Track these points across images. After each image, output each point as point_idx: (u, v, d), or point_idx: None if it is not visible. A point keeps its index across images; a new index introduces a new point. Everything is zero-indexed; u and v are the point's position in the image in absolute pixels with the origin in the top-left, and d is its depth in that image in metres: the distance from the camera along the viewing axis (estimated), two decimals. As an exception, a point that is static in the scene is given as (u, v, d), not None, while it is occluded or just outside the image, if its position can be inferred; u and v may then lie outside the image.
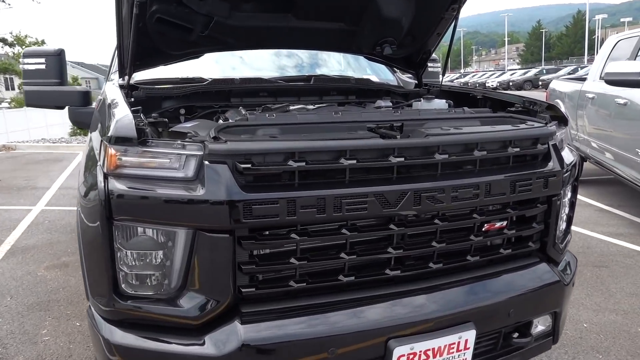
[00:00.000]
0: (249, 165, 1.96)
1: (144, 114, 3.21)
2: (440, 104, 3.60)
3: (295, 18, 3.26)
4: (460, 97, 3.73)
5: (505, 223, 2.44)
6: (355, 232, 2.12)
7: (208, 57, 3.52)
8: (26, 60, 3.82)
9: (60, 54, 3.82)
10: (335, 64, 4.41)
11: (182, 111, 3.35)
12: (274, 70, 3.81)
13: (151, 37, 3.06)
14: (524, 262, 2.54)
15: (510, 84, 49.48)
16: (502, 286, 2.43)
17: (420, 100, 3.65)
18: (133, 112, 2.32)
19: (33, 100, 3.80)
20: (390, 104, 3.71)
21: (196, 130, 2.47)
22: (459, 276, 2.36)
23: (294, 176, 2.03)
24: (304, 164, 2.00)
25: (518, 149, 2.37)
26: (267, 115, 2.37)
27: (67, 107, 3.78)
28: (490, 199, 2.28)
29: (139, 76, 3.56)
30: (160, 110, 3.28)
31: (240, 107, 3.33)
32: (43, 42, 28.43)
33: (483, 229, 2.39)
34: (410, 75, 4.45)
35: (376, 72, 4.46)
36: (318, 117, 2.43)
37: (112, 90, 2.94)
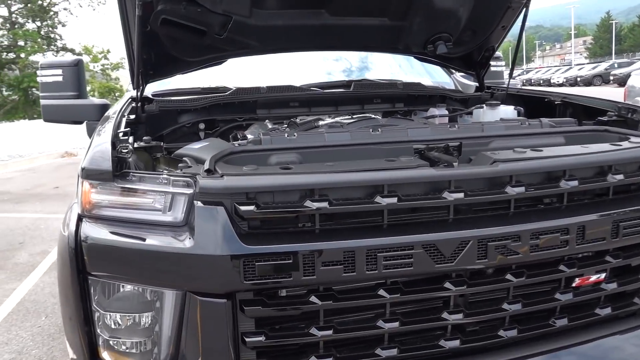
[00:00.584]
0: (253, 208, 1.46)
1: (155, 130, 2.83)
2: (507, 112, 2.97)
3: (330, 14, 2.75)
4: (533, 103, 3.09)
5: (603, 275, 1.82)
6: (398, 293, 1.58)
7: (233, 63, 3.07)
8: (43, 72, 3.52)
9: (77, 65, 3.49)
10: (380, 66, 3.85)
11: (202, 126, 2.92)
12: (308, 77, 3.32)
13: (161, 42, 2.64)
14: (628, 324, 1.90)
15: (578, 79, 46.58)
16: (600, 358, 1.80)
17: (482, 107, 3.04)
18: (123, 134, 1.89)
19: (50, 115, 3.49)
20: (446, 112, 3.13)
21: (202, 154, 2.01)
22: (540, 346, 1.76)
23: (313, 221, 1.52)
24: (326, 204, 1.49)
25: (621, 177, 1.74)
26: (286, 135, 1.87)
27: (85, 122, 3.45)
28: (583, 245, 1.67)
29: (157, 87, 3.17)
30: (176, 126, 2.87)
31: (267, 121, 2.86)
32: (108, 52, 29.44)
33: (573, 285, 1.78)
34: (464, 75, 3.83)
35: (429, 74, 3.87)
36: (351, 137, 1.91)
37: (116, 106, 2.55)
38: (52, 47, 30.55)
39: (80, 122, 3.51)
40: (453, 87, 3.66)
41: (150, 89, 3.21)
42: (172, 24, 2.49)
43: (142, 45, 2.60)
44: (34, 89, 25.57)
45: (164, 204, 1.54)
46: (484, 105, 3.06)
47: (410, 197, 1.56)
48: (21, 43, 28.29)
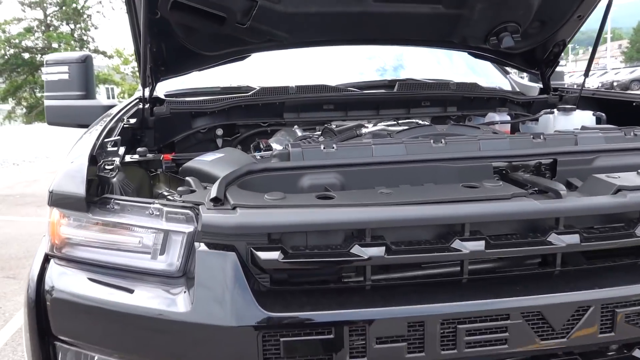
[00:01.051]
0: (277, 255, 1.02)
1: (166, 137, 2.41)
2: (585, 118, 2.46)
3: (374, 0, 2.28)
4: (614, 108, 2.56)
5: None
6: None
7: (257, 59, 2.63)
8: (48, 70, 3.15)
9: (85, 61, 3.11)
10: (419, 64, 3.36)
11: (219, 132, 2.49)
12: (344, 75, 2.85)
13: (174, 32, 2.23)
14: None
15: (615, 84, 44.96)
16: None
17: (552, 113, 2.52)
18: (112, 144, 1.46)
19: (54, 117, 3.11)
20: (509, 118, 2.62)
21: (214, 169, 1.58)
22: None
23: (363, 273, 1.06)
24: (383, 251, 1.03)
25: None
26: (322, 147, 1.42)
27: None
28: None
29: (170, 85, 2.76)
30: (190, 131, 2.45)
31: (296, 127, 2.41)
32: (139, 54, 29.40)
33: None
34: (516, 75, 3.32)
35: (480, 74, 3.36)
36: (407, 151, 1.44)
37: (117, 107, 2.14)
38: (84, 49, 30.94)
39: (87, 126, 3.12)
40: (510, 88, 3.15)
41: (163, 88, 2.81)
42: (185, 9, 2.07)
43: (151, 36, 2.19)
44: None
45: (154, 244, 1.10)
46: (554, 110, 2.55)
47: (501, 242, 1.08)
48: (55, 45, 28.69)
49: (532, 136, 1.61)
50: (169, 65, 2.43)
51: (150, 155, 1.48)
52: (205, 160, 1.73)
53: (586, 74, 2.72)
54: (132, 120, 1.92)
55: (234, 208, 1.06)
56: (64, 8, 29.97)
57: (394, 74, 3.21)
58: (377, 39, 2.66)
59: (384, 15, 2.36)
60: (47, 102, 3.24)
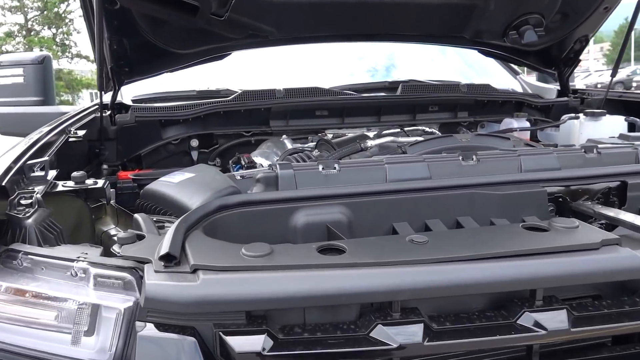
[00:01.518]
0: (260, 343, 0.66)
1: (130, 149, 2.04)
2: (616, 124, 2.16)
3: (376, -11, 1.95)
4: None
5: None
6: None
7: (239, 57, 2.27)
8: (1, 72, 2.77)
9: (42, 62, 2.73)
10: (422, 62, 3.02)
11: (194, 143, 2.13)
12: (340, 76, 2.50)
13: (138, 25, 1.86)
14: None
15: (599, 86, 45.37)
16: None
17: (577, 118, 2.21)
18: (39, 167, 1.10)
19: (7, 125, 2.72)
20: (528, 125, 2.30)
21: (182, 194, 1.22)
22: None
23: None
24: (419, 333, 0.68)
25: None
26: (320, 168, 1.06)
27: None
28: None
29: (138, 89, 2.39)
30: (159, 143, 2.08)
31: (284, 136, 2.06)
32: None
33: None
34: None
35: (486, 74, 3.03)
36: (430, 172, 1.10)
37: (65, 116, 1.77)
38: (66, 54, 30.30)
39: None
40: (522, 90, 2.83)
41: (130, 92, 2.44)
42: (147, -2, 1.71)
43: (110, 30, 1.84)
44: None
45: (77, 323, 0.74)
46: (578, 115, 2.23)
47: (594, 313, 0.73)
48: (36, 50, 28.01)
49: (583, 150, 1.27)
50: (134, 66, 2.07)
51: (90, 182, 1.10)
52: (171, 182, 1.36)
53: (613, 74, 2.40)
54: (81, 132, 1.55)
55: (194, 271, 0.70)
56: (45, 12, 29.34)
57: (387, 75, 2.87)
58: (377, 34, 2.31)
59: (385, 6, 2.01)
60: (-1, 110, 2.86)
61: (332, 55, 2.67)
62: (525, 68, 3.35)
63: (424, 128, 2.27)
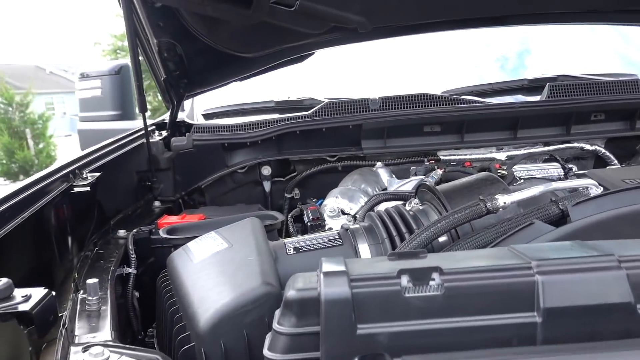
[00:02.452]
0: None
1: (190, 180, 1.64)
2: None
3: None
4: None
5: None
6: None
7: (324, 58, 1.77)
8: (81, 85, 2.58)
9: (119, 72, 2.48)
10: (577, 46, 2.25)
11: (266, 171, 1.68)
12: (455, 76, 1.87)
13: (190, 27, 1.45)
14: None
15: None
16: None
17: None
18: None
19: (87, 144, 2.51)
20: None
21: (194, 286, 0.76)
22: None
23: None
24: None
25: None
26: (404, 283, 0.52)
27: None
28: None
29: (212, 101, 2.01)
30: (223, 172, 1.66)
31: (379, 164, 1.53)
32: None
33: None
34: None
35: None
36: (631, 292, 0.49)
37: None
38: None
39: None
40: None
41: (202, 104, 2.07)
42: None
43: (156, 34, 1.45)
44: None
45: None
46: None
47: None
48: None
49: None
50: (193, 77, 1.67)
51: (20, 297, 0.67)
52: (191, 259, 0.91)
53: None
54: (91, 177, 1.15)
55: None
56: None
57: (522, 68, 2.16)
58: (510, 15, 1.66)
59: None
60: (79, 125, 2.69)
61: (443, 47, 2.04)
62: None
63: (582, 145, 1.59)
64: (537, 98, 1.66)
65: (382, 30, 1.55)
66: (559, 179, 1.43)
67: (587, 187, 0.97)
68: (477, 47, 2.18)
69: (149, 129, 1.74)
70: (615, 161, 1.61)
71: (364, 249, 0.94)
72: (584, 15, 1.64)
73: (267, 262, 0.85)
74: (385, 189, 1.42)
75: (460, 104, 1.57)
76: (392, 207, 1.01)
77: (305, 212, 1.20)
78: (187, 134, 1.65)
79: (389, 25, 1.54)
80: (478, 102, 1.57)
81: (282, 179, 1.71)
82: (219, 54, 1.61)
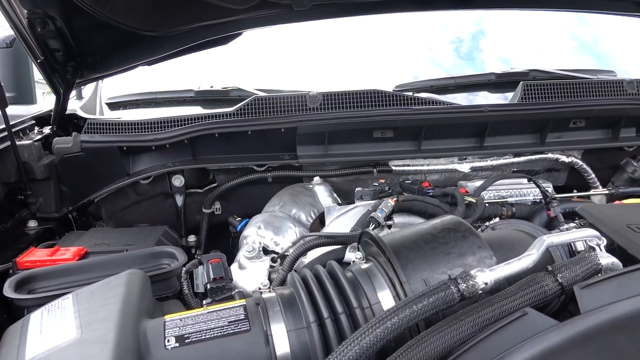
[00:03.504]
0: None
1: (77, 195, 1.28)
2: None
3: None
4: None
5: None
6: None
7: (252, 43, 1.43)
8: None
9: (11, 45, 2.05)
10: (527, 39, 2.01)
11: (178, 182, 1.34)
12: (410, 70, 1.57)
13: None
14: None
15: None
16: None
17: None
18: None
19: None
20: None
21: None
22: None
23: None
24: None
25: None
26: None
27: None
28: None
29: (120, 87, 1.65)
30: (120, 183, 1.31)
31: (317, 180, 1.24)
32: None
33: None
34: None
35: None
36: None
37: None
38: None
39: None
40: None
41: (110, 91, 1.69)
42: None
43: (22, 2, 1.08)
44: None
45: None
46: None
47: None
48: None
49: None
50: (83, 59, 1.30)
51: None
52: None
53: None
54: None
55: None
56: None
57: (479, 52, 1.90)
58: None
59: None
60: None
61: (393, 30, 1.72)
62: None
63: (556, 156, 1.34)
64: (508, 96, 1.40)
65: (323, 9, 1.23)
66: (538, 201, 1.18)
67: (587, 241, 0.71)
68: (431, 28, 1.89)
69: (27, 124, 1.37)
70: (593, 175, 1.39)
71: (280, 338, 0.64)
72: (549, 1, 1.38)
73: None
74: (323, 214, 1.12)
75: (418, 104, 1.28)
76: (323, 266, 0.72)
77: (204, 265, 0.88)
78: (74, 134, 1.29)
79: (331, 3, 1.22)
80: (439, 103, 1.29)
81: (199, 191, 1.38)
82: (115, 32, 1.25)
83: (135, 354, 0.60)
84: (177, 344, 0.63)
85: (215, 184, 1.36)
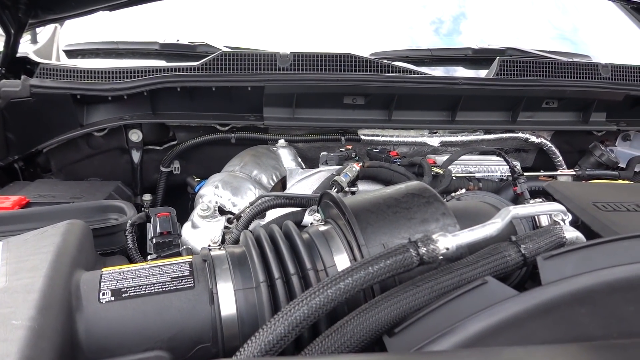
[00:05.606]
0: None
1: (26, 142, 1.19)
2: None
3: None
4: None
5: None
6: None
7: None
8: None
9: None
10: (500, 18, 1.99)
11: (135, 137, 1.27)
12: (387, 37, 1.52)
13: None
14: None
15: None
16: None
17: None
18: None
19: None
20: None
21: None
22: None
23: None
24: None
25: None
26: None
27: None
28: None
29: (80, 34, 1.55)
30: (74, 133, 1.23)
31: (282, 142, 1.19)
32: None
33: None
34: None
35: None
36: None
37: None
38: None
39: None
40: None
41: (67, 38, 1.59)
42: None
43: None
44: None
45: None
46: None
47: None
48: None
49: None
50: (36, -3, 1.19)
51: None
52: None
53: None
54: None
55: None
56: None
57: (456, 31, 1.86)
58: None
59: None
60: None
61: (373, 3, 1.68)
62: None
63: (526, 136, 1.33)
64: (483, 73, 1.37)
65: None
66: (505, 178, 1.16)
67: (552, 214, 0.69)
68: (412, 7, 1.84)
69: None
70: (560, 158, 1.38)
71: (226, 297, 0.59)
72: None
73: (47, 333, 0.48)
74: (285, 177, 1.07)
75: (392, 72, 1.24)
76: (278, 226, 0.67)
77: (151, 220, 0.82)
78: (23, 77, 1.20)
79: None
80: (415, 73, 1.25)
81: (158, 148, 1.32)
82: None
83: (63, 307, 0.54)
84: (113, 298, 0.58)
85: (175, 142, 1.30)
